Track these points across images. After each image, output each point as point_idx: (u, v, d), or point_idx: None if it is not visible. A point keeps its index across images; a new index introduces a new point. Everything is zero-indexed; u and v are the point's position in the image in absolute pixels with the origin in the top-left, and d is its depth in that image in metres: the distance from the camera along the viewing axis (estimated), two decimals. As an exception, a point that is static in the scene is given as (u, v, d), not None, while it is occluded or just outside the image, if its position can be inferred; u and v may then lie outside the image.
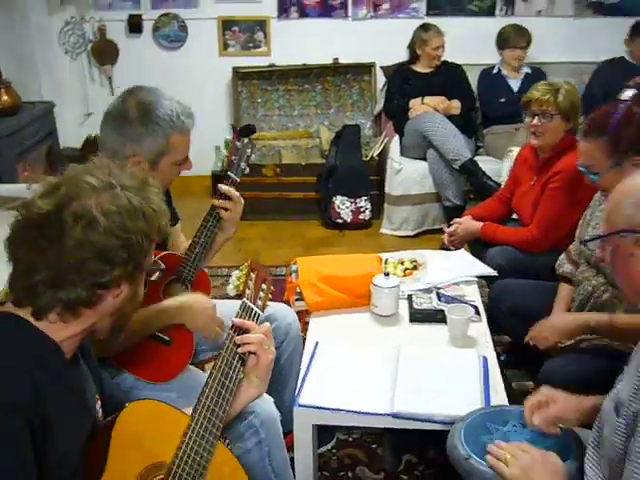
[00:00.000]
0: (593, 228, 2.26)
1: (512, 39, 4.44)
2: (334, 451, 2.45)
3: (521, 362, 2.77)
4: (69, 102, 4.85)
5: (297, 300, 2.41)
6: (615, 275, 1.38)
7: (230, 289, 1.63)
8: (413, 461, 2.41)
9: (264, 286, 1.69)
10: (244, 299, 1.58)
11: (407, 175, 4.24)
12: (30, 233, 1.14)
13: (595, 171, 2.09)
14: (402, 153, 4.27)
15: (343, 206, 4.36)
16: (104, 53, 4.89)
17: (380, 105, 4.76)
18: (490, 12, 4.78)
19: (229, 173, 2.02)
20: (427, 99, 4.27)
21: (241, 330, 1.51)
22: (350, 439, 2.52)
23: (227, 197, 2.00)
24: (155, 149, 1.81)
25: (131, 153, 1.79)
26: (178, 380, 1.83)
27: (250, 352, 1.49)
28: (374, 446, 2.48)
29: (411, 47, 4.45)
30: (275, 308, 2.23)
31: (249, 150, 2.04)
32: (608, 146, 2.03)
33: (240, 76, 4.82)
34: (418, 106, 4.26)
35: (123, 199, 1.17)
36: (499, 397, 1.92)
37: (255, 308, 1.58)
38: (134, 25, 4.80)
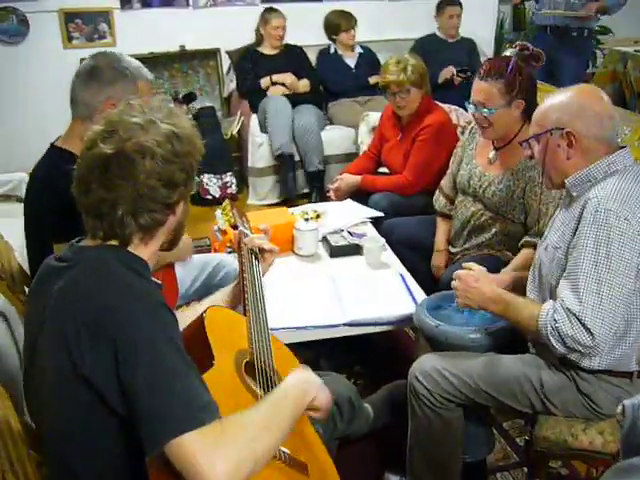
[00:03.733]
0: (467, 164, 2.78)
1: (343, 23, 4.92)
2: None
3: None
4: None
5: (229, 253, 2.71)
6: (544, 166, 1.85)
7: (222, 224, 1.93)
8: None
9: (244, 218, 2.01)
10: (241, 228, 1.89)
11: (268, 148, 4.60)
12: (104, 175, 1.30)
13: (489, 107, 2.50)
14: (261, 129, 4.62)
15: (211, 182, 4.63)
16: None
17: (229, 87, 5.07)
18: (317, -2, 5.27)
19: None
20: (275, 76, 4.66)
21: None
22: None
23: None
24: (128, 91, 1.90)
25: (105, 97, 1.89)
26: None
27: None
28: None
29: (257, 29, 4.80)
30: (221, 257, 2.53)
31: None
32: (503, 88, 2.47)
33: (88, 67, 4.85)
34: (271, 87, 4.65)
35: (166, 129, 1.35)
36: (424, 299, 2.39)
37: (250, 234, 1.90)
38: (-31, 22, 4.65)
